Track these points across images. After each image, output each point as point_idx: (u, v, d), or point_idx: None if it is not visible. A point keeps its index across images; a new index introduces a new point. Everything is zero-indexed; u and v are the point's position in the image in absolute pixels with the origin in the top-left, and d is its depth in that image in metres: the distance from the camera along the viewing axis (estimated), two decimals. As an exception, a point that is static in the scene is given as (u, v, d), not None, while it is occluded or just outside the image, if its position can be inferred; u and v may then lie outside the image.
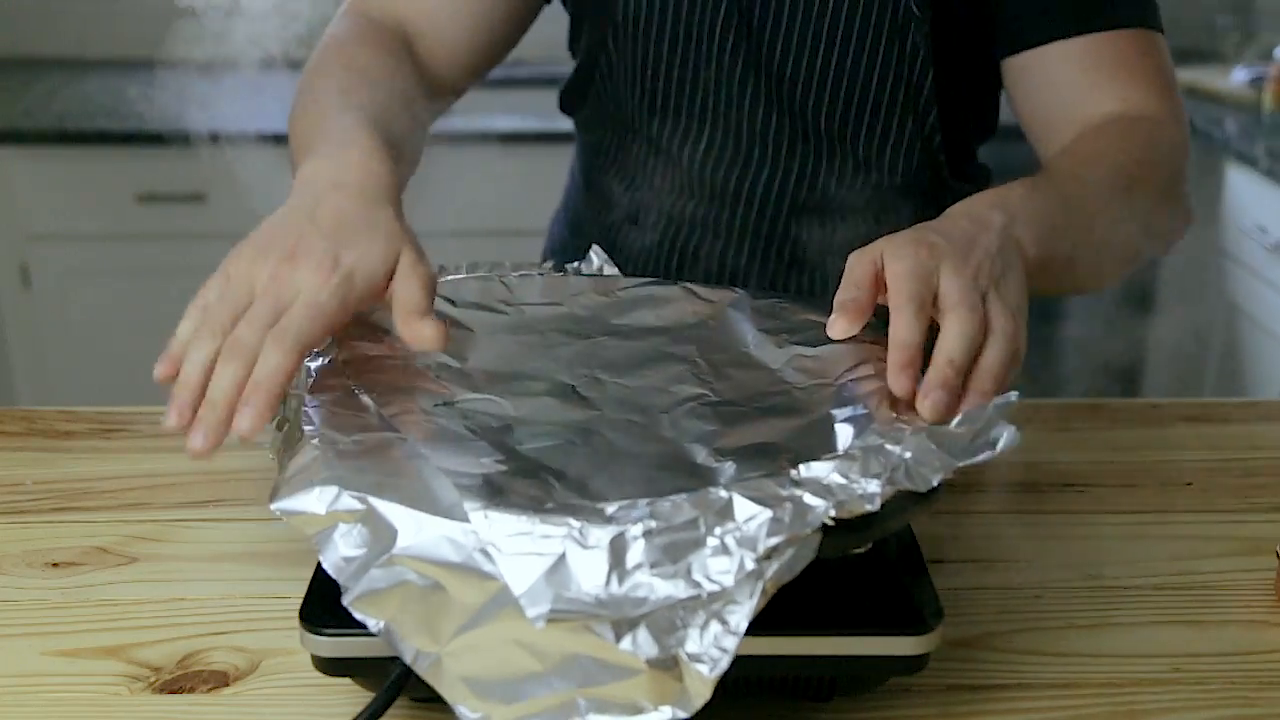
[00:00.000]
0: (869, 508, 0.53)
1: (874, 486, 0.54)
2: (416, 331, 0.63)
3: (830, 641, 0.56)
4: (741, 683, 0.55)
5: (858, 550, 0.57)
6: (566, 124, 1.07)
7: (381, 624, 0.51)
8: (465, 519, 0.52)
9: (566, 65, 1.02)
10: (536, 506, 0.52)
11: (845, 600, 0.57)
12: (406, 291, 0.63)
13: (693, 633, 0.49)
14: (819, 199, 0.95)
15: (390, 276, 0.64)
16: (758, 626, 0.49)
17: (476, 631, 0.50)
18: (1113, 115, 0.85)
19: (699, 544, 0.51)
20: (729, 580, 0.49)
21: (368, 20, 0.90)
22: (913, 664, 0.57)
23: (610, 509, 0.53)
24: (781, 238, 0.96)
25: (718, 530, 0.51)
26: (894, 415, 0.60)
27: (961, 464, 0.56)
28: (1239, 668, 0.64)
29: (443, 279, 0.77)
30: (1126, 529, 0.76)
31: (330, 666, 0.57)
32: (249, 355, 0.60)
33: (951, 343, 0.61)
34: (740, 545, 0.51)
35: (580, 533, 0.51)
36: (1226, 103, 2.43)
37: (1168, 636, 0.66)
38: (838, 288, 0.66)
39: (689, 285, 0.76)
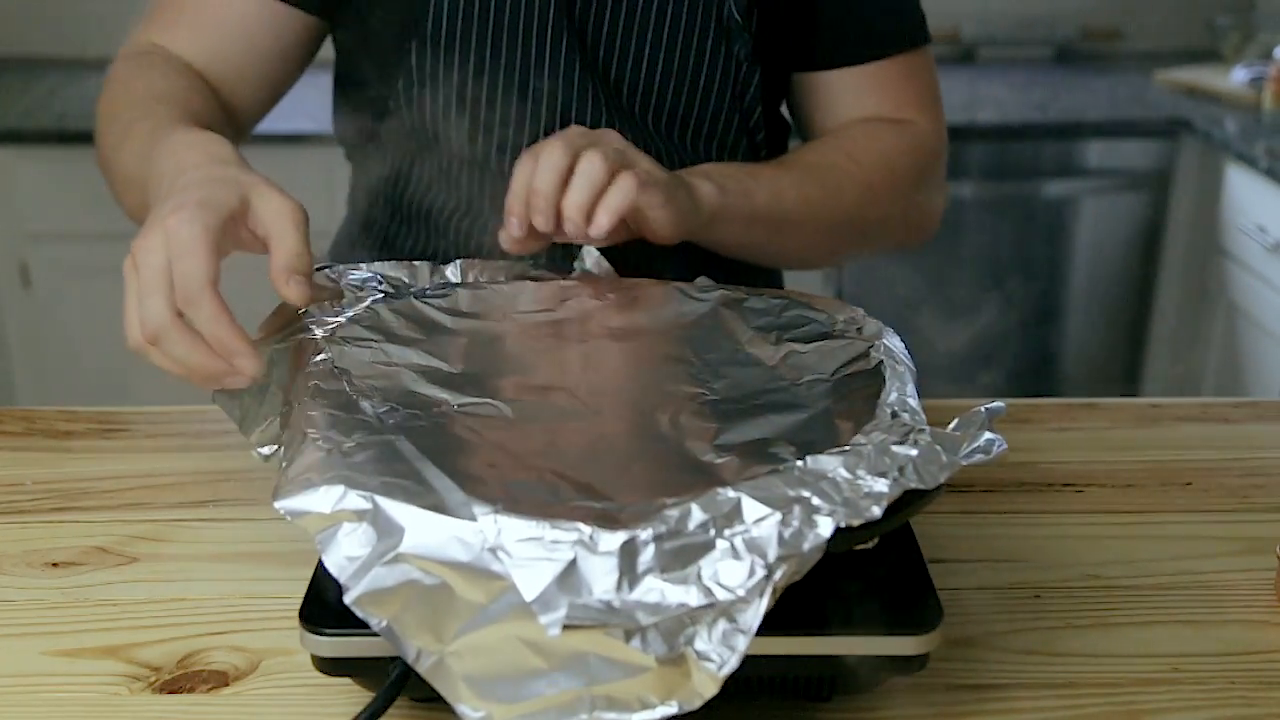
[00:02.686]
0: (876, 509, 0.53)
1: (881, 485, 0.54)
2: (282, 290, 0.65)
3: (830, 641, 0.56)
4: (742, 682, 0.55)
5: (864, 545, 0.57)
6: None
7: (384, 622, 0.51)
8: (472, 519, 0.52)
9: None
10: (546, 511, 0.52)
11: (845, 600, 0.57)
12: (279, 236, 0.65)
13: (702, 631, 0.49)
14: None
15: (244, 205, 0.66)
16: (759, 626, 0.49)
17: (481, 631, 0.50)
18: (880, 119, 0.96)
19: (709, 548, 0.51)
20: (741, 589, 0.49)
21: (153, 54, 0.92)
22: (913, 664, 0.57)
23: (619, 513, 0.52)
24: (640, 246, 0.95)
25: (727, 533, 0.51)
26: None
27: (963, 464, 0.56)
28: (1239, 668, 0.64)
29: (440, 280, 0.77)
30: (1126, 529, 0.76)
31: (330, 666, 0.57)
32: (167, 329, 0.63)
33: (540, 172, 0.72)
34: (750, 550, 0.50)
35: (591, 538, 0.51)
36: (1226, 103, 2.43)
37: (1167, 636, 0.66)
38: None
39: (680, 286, 0.76)
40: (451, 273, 0.79)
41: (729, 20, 0.89)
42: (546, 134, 0.88)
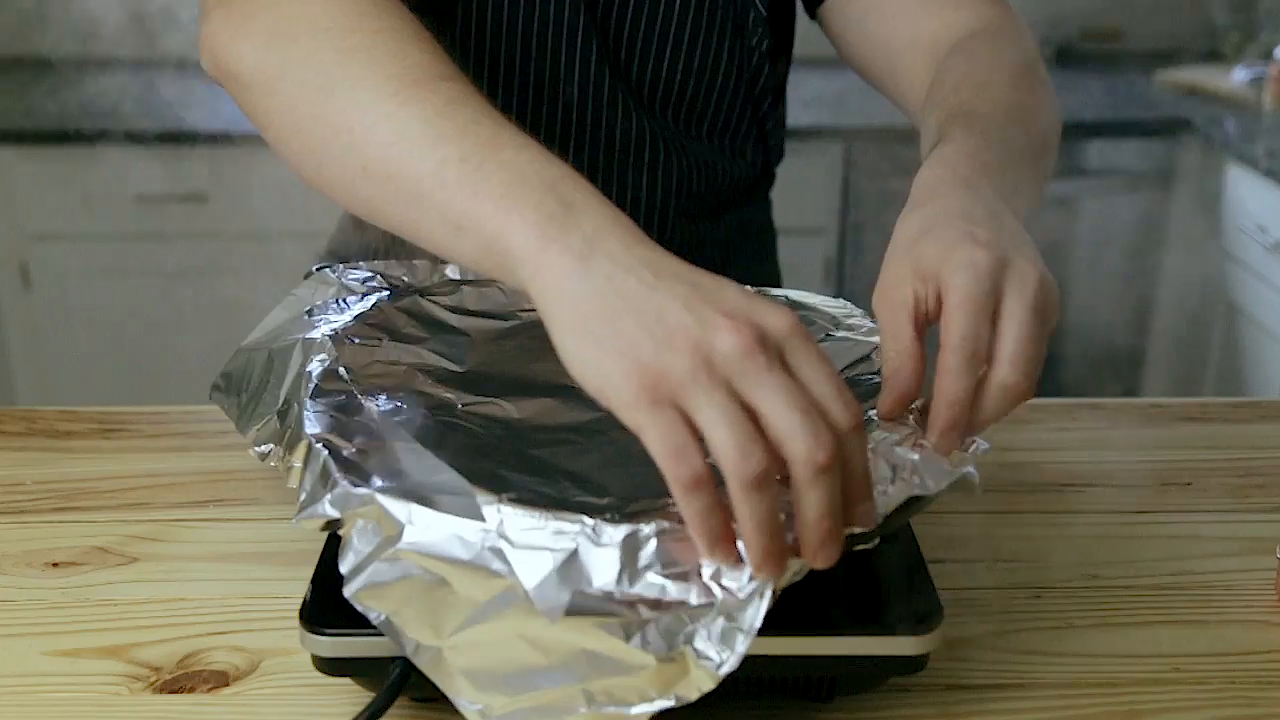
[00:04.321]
0: (879, 514, 0.53)
1: (885, 489, 0.54)
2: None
3: (830, 641, 0.56)
4: (742, 682, 0.55)
5: (864, 546, 0.57)
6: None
7: (383, 616, 0.51)
8: (477, 515, 0.52)
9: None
10: (548, 502, 0.52)
11: (845, 600, 0.57)
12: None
13: (701, 630, 0.49)
14: (696, 201, 0.95)
15: None
16: (759, 626, 0.49)
17: (480, 626, 0.50)
18: (959, 30, 0.83)
19: None
20: (742, 591, 0.49)
21: None
22: (913, 664, 0.57)
23: (623, 507, 0.53)
24: (667, 247, 0.94)
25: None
26: (893, 411, 0.60)
27: (962, 472, 0.56)
28: (1239, 668, 0.64)
29: (438, 281, 0.77)
30: (1126, 529, 0.76)
31: (330, 666, 0.57)
32: (838, 453, 0.49)
33: (991, 402, 0.56)
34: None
35: (594, 530, 0.51)
36: (1226, 103, 2.43)
37: (1167, 636, 0.66)
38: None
39: None
40: (451, 271, 0.79)
41: (744, 8, 0.89)
42: (577, 142, 0.89)
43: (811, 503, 0.48)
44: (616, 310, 0.50)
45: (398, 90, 0.60)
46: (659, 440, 0.48)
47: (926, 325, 0.59)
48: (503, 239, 0.53)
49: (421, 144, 0.57)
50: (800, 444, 0.47)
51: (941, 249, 0.58)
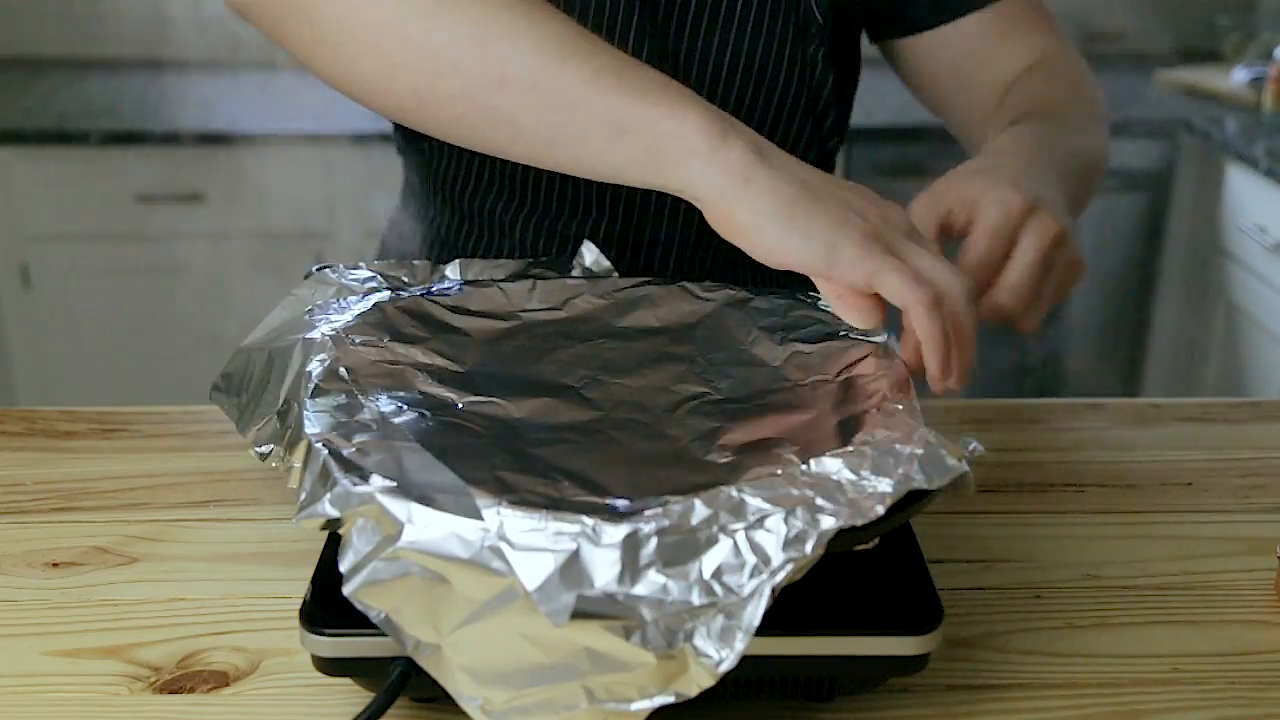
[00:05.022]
0: (879, 508, 0.53)
1: (886, 485, 0.54)
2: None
3: (830, 641, 0.56)
4: (742, 682, 0.55)
5: (864, 546, 0.57)
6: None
7: (383, 614, 0.51)
8: (476, 515, 0.52)
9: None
10: (549, 503, 0.52)
11: (845, 600, 0.57)
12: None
13: (701, 629, 0.49)
14: None
15: None
16: (759, 626, 0.49)
17: (480, 624, 0.50)
18: (1025, 62, 0.91)
19: (711, 543, 0.51)
20: (743, 589, 0.49)
21: None
22: (913, 664, 0.57)
23: (622, 506, 0.53)
24: (706, 247, 0.94)
25: (730, 528, 0.51)
26: (897, 408, 0.60)
27: (964, 466, 0.56)
28: (1239, 668, 0.64)
29: (436, 279, 0.77)
30: (1126, 529, 0.76)
31: (330, 666, 0.57)
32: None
33: (981, 315, 0.65)
34: (752, 548, 0.51)
35: (594, 530, 0.51)
36: (1226, 103, 2.43)
37: (1167, 636, 0.66)
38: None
39: (686, 285, 0.77)
40: (451, 271, 0.79)
41: (807, 19, 0.88)
42: None
43: (968, 322, 0.61)
44: (816, 194, 0.60)
45: (527, 5, 0.63)
46: (897, 274, 0.60)
47: (948, 241, 0.69)
48: (676, 137, 0.60)
49: (575, 52, 0.62)
50: (955, 283, 0.61)
51: (985, 185, 0.69)
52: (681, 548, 0.51)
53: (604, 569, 0.50)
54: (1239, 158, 2.22)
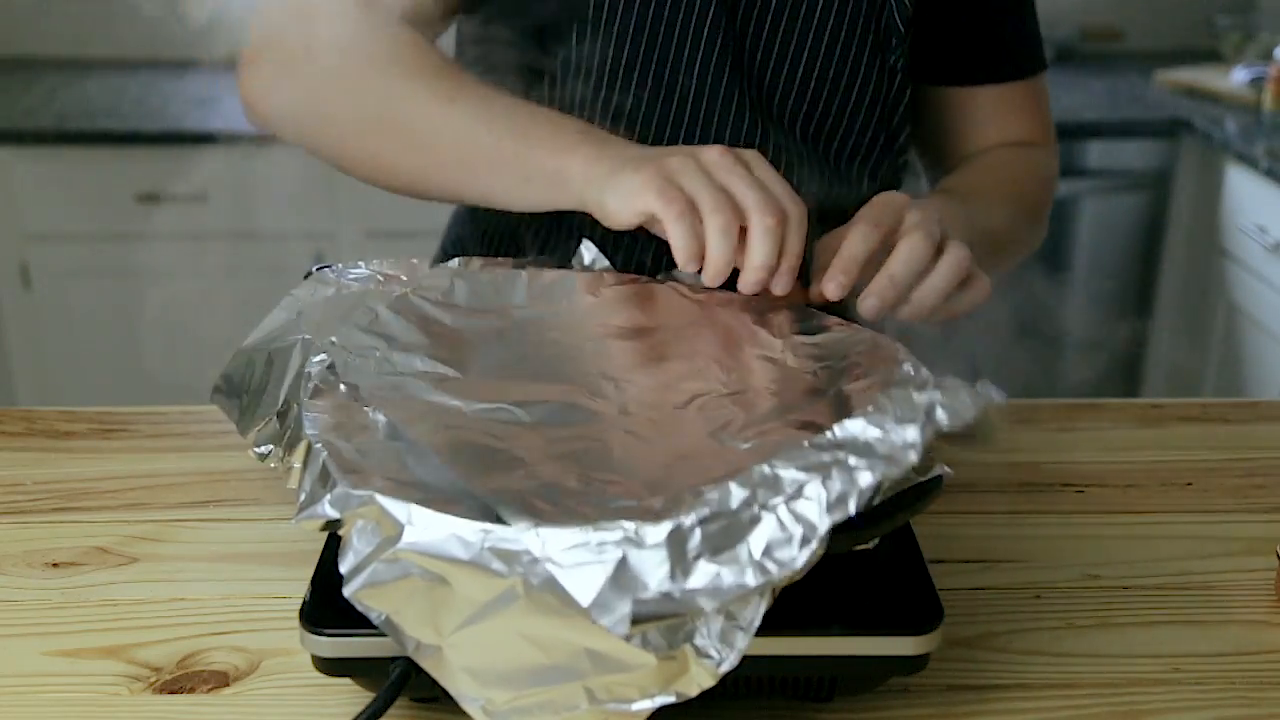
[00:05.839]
0: (913, 455, 0.53)
1: (913, 432, 0.54)
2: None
3: (830, 641, 0.56)
4: (742, 682, 0.55)
5: (863, 546, 0.57)
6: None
7: (383, 615, 0.51)
8: (479, 515, 0.51)
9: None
10: (585, 515, 0.52)
11: (845, 600, 0.57)
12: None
13: (701, 629, 0.49)
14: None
15: None
16: (759, 626, 0.49)
17: (481, 625, 0.50)
18: (1006, 143, 0.99)
19: (755, 522, 0.51)
20: (795, 562, 0.49)
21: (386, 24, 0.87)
22: (913, 664, 0.57)
23: (659, 505, 0.52)
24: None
25: (771, 503, 0.51)
26: (892, 369, 0.60)
27: (985, 400, 0.56)
28: (1239, 668, 0.64)
29: (429, 278, 0.77)
30: (1126, 529, 0.76)
31: (330, 666, 0.57)
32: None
33: (896, 260, 0.72)
34: (797, 518, 0.50)
35: (636, 533, 0.50)
36: (1226, 103, 2.43)
37: (1168, 636, 0.66)
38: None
39: (676, 285, 0.76)
40: (449, 270, 0.79)
41: (888, 29, 0.89)
42: (687, 133, 0.90)
43: (755, 251, 0.69)
44: (644, 158, 0.72)
45: (446, 97, 0.80)
46: (661, 196, 0.70)
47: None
48: (563, 172, 0.75)
49: (477, 131, 0.78)
50: (755, 207, 0.69)
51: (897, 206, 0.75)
52: (727, 533, 0.50)
53: (654, 570, 0.49)
54: (1239, 158, 2.22)
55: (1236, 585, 0.71)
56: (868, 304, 0.72)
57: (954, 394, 0.56)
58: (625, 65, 0.88)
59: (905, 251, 0.72)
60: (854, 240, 0.73)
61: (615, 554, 0.50)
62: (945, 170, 0.99)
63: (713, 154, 0.71)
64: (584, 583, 0.49)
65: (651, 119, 0.90)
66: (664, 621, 0.49)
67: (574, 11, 0.88)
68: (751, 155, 0.72)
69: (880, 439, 0.54)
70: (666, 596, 0.49)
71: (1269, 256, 2.15)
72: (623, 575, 0.49)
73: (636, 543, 0.50)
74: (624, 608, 0.49)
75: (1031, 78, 1.00)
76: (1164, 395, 2.42)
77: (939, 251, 0.73)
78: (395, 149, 0.82)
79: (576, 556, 0.50)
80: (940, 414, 0.55)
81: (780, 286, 0.71)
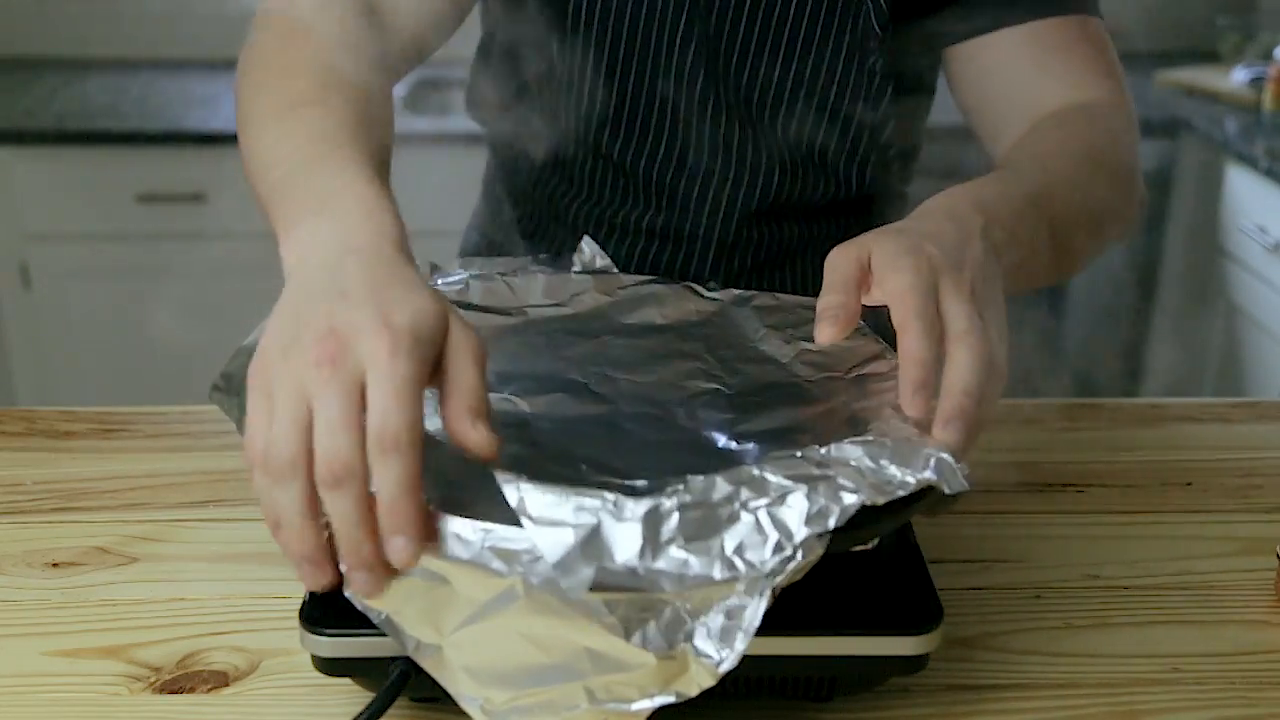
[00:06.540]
0: (900, 491, 0.53)
1: (906, 475, 0.53)
2: (466, 435, 0.52)
3: (830, 641, 0.56)
4: (742, 682, 0.55)
5: (862, 546, 0.57)
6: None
7: (383, 615, 0.51)
8: (476, 516, 0.51)
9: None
10: (570, 481, 0.52)
11: (845, 600, 0.57)
12: (460, 373, 0.53)
13: (701, 629, 0.49)
14: (779, 207, 0.94)
15: (443, 341, 0.53)
16: (759, 626, 0.49)
17: (481, 625, 0.50)
18: (1065, 104, 0.85)
19: (733, 520, 0.51)
20: (765, 565, 0.49)
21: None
22: (913, 664, 0.57)
23: (642, 485, 0.52)
24: (744, 244, 0.95)
25: (752, 505, 0.51)
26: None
27: (968, 483, 0.55)
28: (1239, 668, 0.64)
29: (441, 279, 0.77)
30: (1126, 529, 0.76)
31: (330, 666, 0.57)
32: (354, 472, 0.50)
33: (966, 374, 0.58)
34: (775, 525, 0.50)
35: (615, 505, 0.50)
36: (1226, 103, 2.43)
37: (1167, 636, 0.66)
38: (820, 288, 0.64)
39: (690, 284, 0.77)
40: (454, 268, 0.79)
41: (865, 31, 0.87)
42: (669, 141, 0.90)
43: (330, 512, 0.50)
44: (291, 306, 0.55)
45: (287, 106, 0.70)
46: (249, 410, 0.53)
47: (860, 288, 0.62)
48: (280, 239, 0.63)
49: (266, 157, 0.68)
50: (320, 452, 0.50)
51: (892, 250, 0.61)
52: (704, 524, 0.50)
53: (626, 544, 0.50)
54: (1239, 158, 2.22)
55: (1236, 585, 0.71)
56: (954, 429, 0.57)
57: (947, 462, 0.55)
58: (605, 70, 0.89)
59: (968, 359, 0.58)
60: (916, 345, 0.58)
61: (590, 520, 0.50)
62: (995, 153, 0.89)
63: (304, 359, 0.51)
64: (554, 541, 0.49)
65: (634, 123, 0.90)
66: (623, 595, 0.49)
67: (550, 18, 0.88)
68: (375, 354, 0.51)
69: (872, 470, 0.54)
70: (631, 572, 0.49)
71: (1269, 256, 2.15)
72: (594, 542, 0.50)
73: (614, 514, 0.50)
74: (587, 572, 0.49)
75: (1073, 15, 0.89)
76: (1164, 395, 2.42)
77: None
78: (243, 143, 0.73)
79: (551, 514, 0.50)
80: (932, 472, 0.54)
81: None
